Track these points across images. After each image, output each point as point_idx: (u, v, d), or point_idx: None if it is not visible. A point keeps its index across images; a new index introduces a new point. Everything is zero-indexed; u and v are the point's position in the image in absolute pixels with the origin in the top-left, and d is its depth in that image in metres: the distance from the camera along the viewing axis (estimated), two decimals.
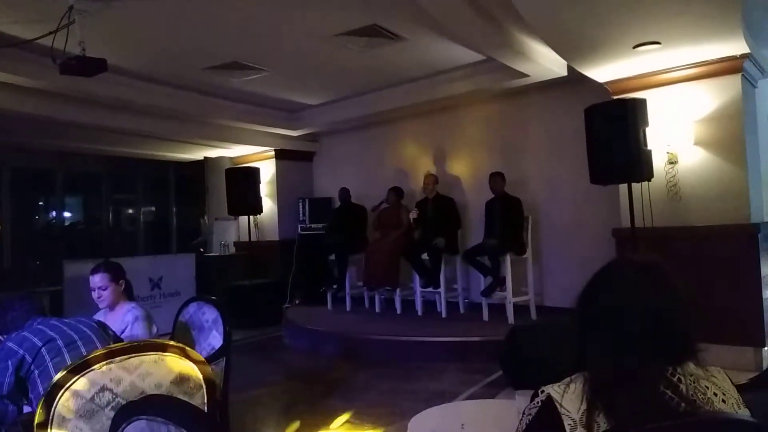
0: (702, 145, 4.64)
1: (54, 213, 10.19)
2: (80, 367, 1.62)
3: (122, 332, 2.82)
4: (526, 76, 5.53)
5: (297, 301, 8.04)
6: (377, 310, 6.91)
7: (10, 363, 1.81)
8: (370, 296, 7.09)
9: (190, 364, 1.79)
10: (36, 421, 1.59)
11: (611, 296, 1.17)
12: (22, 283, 7.04)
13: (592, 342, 1.16)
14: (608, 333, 1.14)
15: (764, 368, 4.25)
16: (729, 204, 4.50)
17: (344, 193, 7.68)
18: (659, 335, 1.11)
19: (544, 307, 6.12)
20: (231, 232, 8.98)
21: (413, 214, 6.70)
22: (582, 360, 1.16)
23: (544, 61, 5.23)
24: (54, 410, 1.58)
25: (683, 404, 1.04)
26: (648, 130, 4.35)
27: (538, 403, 1.14)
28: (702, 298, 4.25)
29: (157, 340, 1.98)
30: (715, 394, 1.10)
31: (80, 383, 1.62)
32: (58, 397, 1.58)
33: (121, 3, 4.03)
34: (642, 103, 4.39)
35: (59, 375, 1.61)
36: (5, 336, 2.10)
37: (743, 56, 4.39)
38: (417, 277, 6.51)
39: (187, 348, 1.89)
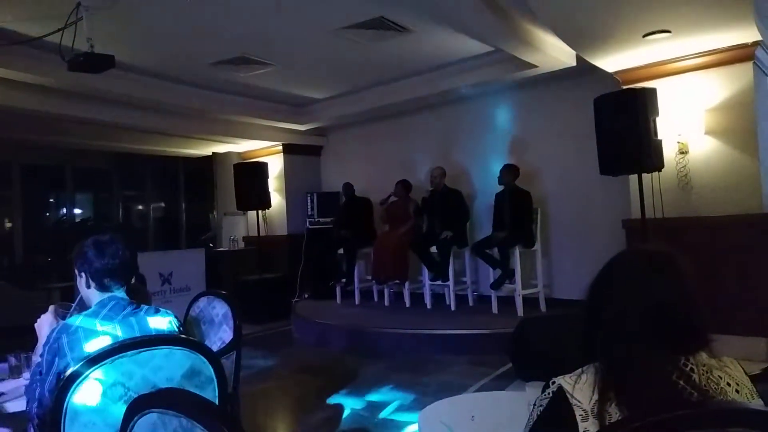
0: (713, 134, 4.59)
1: (64, 209, 10.27)
2: (92, 362, 1.63)
3: None
4: (534, 66, 5.49)
5: (306, 295, 8.07)
6: (386, 303, 6.92)
7: (56, 361, 1.79)
8: (379, 290, 7.10)
9: (201, 358, 1.80)
10: (49, 416, 1.60)
11: (622, 287, 1.16)
12: (33, 280, 7.12)
13: (603, 333, 1.15)
14: (619, 324, 1.13)
15: None
16: (741, 194, 4.46)
17: (348, 188, 7.69)
18: (671, 325, 1.10)
19: (553, 299, 6.10)
20: (240, 227, 9.01)
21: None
22: (592, 351, 1.15)
23: (553, 52, 5.19)
24: (66, 404, 1.59)
25: (696, 394, 1.03)
26: (658, 120, 4.32)
27: (549, 394, 1.13)
28: (714, 288, 4.23)
29: (169, 334, 1.98)
30: (729, 384, 1.09)
31: (92, 377, 1.63)
32: (71, 391, 1.60)
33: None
34: (652, 92, 4.35)
35: (71, 370, 1.63)
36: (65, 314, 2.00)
37: (755, 44, 4.34)
38: (426, 271, 6.51)
39: (199, 342, 1.89)
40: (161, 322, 1.99)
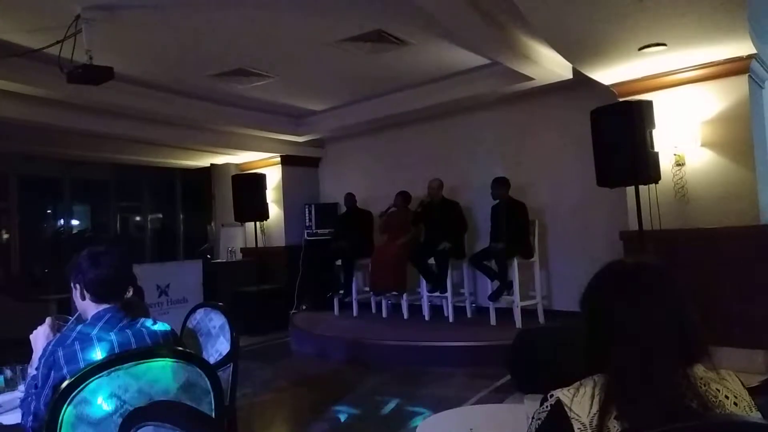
0: (709, 146, 4.61)
1: (62, 221, 10.25)
2: (88, 374, 1.62)
3: None
4: (531, 79, 5.52)
5: (304, 307, 8.04)
6: (384, 315, 6.91)
7: (52, 374, 1.78)
8: (377, 301, 7.08)
9: (198, 370, 1.79)
10: (45, 429, 1.59)
11: (614, 299, 1.16)
12: (29, 291, 7.09)
13: (601, 346, 1.15)
14: (618, 336, 1.12)
15: None
16: (737, 205, 4.47)
17: (350, 198, 7.69)
18: (662, 338, 1.09)
19: (552, 311, 6.09)
20: (238, 238, 8.99)
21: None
22: (591, 363, 1.15)
23: (550, 64, 5.22)
24: (62, 417, 1.58)
25: (696, 406, 1.03)
26: (655, 132, 4.34)
27: (547, 407, 1.13)
28: (711, 300, 4.23)
29: (165, 346, 1.97)
30: (727, 397, 1.08)
31: (88, 390, 1.62)
32: (66, 403, 1.59)
33: (127, 12, 4.06)
34: (648, 104, 4.38)
35: (66, 383, 1.62)
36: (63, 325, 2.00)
37: (750, 57, 4.37)
38: (424, 282, 6.50)
39: (195, 354, 1.88)
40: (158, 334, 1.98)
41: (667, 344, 1.09)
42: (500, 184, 6.13)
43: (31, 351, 2.02)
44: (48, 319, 2.05)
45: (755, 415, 1.10)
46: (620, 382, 1.08)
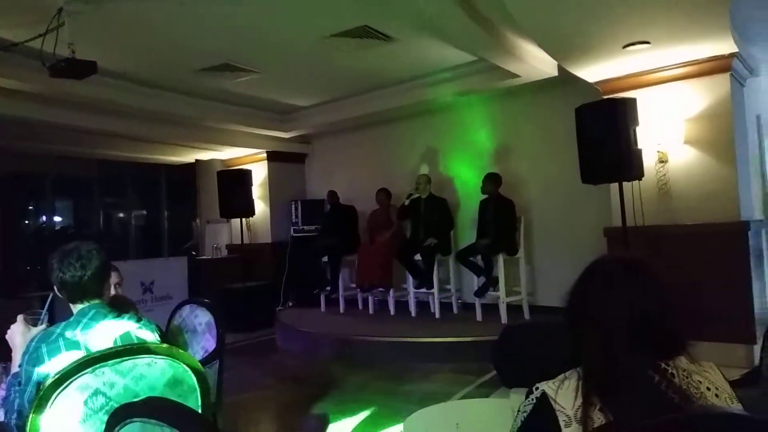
0: (692, 143, 4.67)
1: (44, 217, 10.12)
2: (72, 371, 1.61)
3: None
4: (517, 76, 5.55)
5: (290, 304, 8.02)
6: (371, 311, 6.91)
7: (35, 371, 1.76)
8: (364, 298, 7.08)
9: (184, 367, 1.78)
10: (28, 427, 1.57)
11: (598, 293, 1.18)
12: (11, 288, 6.99)
13: (584, 339, 1.17)
14: (598, 329, 1.14)
15: (755, 365, 4.27)
16: (719, 202, 4.53)
17: (332, 195, 7.69)
18: (647, 330, 1.11)
19: (537, 307, 6.13)
20: (223, 234, 8.94)
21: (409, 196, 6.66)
22: (575, 357, 1.17)
23: (535, 62, 5.25)
24: (46, 414, 1.57)
25: (676, 398, 1.05)
26: (638, 129, 4.38)
27: (532, 399, 1.14)
28: (693, 295, 4.28)
29: (150, 343, 1.95)
30: (708, 389, 1.10)
31: (73, 387, 1.60)
32: (51, 401, 1.57)
33: (111, 5, 4.01)
34: (632, 102, 4.42)
35: (51, 379, 1.60)
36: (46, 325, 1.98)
37: (731, 55, 4.43)
38: (410, 278, 6.51)
39: (181, 351, 1.88)
40: (145, 333, 1.97)
41: (640, 336, 1.11)
42: (491, 180, 6.15)
43: (9, 350, 2.00)
44: (19, 317, 2.03)
45: (736, 407, 1.13)
46: (594, 375, 1.10)
